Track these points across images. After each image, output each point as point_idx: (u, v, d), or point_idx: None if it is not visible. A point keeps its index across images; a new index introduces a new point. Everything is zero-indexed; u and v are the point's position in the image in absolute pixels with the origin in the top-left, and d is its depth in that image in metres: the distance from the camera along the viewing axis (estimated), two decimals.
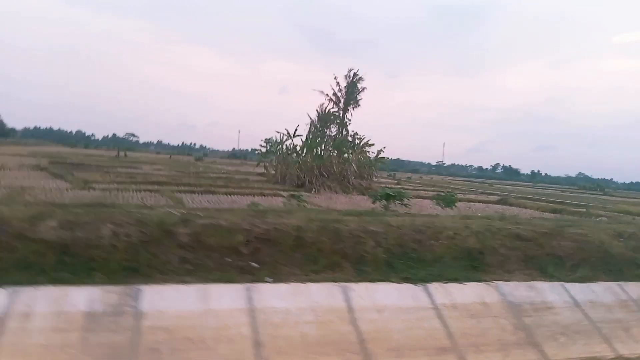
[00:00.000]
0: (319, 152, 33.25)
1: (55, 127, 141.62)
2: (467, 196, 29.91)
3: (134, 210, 7.05)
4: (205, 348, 5.05)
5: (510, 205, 25.62)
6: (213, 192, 20.84)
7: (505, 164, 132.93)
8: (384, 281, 6.66)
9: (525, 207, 23.98)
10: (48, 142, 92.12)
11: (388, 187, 22.37)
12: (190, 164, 52.38)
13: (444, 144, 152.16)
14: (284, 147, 33.53)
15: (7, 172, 24.12)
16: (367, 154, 35.97)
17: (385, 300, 6.29)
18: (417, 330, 5.96)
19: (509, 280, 7.24)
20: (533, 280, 7.38)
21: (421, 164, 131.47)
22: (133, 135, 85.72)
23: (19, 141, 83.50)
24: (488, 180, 77.76)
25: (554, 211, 21.85)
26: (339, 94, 37.34)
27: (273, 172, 34.02)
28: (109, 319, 5.08)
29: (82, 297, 5.22)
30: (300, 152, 32.98)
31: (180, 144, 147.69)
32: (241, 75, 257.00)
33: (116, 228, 6.23)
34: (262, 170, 36.91)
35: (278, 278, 6.32)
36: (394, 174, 64.04)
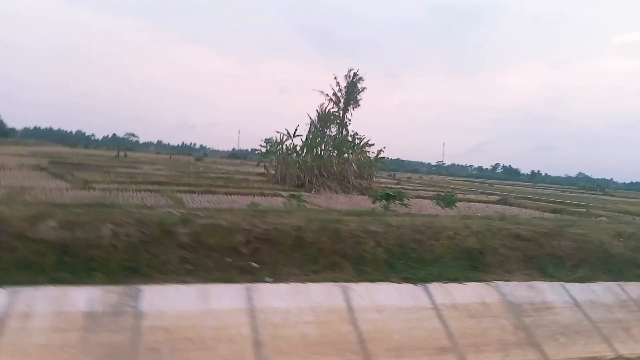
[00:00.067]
0: (319, 152, 33.26)
1: (55, 127, 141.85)
2: (467, 196, 29.91)
3: (134, 210, 7.05)
4: (205, 348, 5.05)
5: (510, 205, 25.62)
6: (213, 192, 20.84)
7: (505, 164, 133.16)
8: (384, 281, 6.66)
9: (525, 207, 23.98)
10: (48, 142, 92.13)
11: (388, 187, 22.38)
12: (190, 164, 52.39)
13: (444, 144, 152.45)
14: (284, 147, 33.56)
15: (7, 172, 24.12)
16: (367, 154, 36.00)
17: (385, 300, 6.29)
18: (417, 330, 5.95)
19: (509, 280, 7.24)
20: (533, 280, 7.38)
21: (421, 164, 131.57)
22: (133, 135, 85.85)
23: (19, 141, 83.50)
24: (488, 180, 77.76)
25: (554, 211, 21.85)
26: (339, 94, 37.37)
27: (273, 172, 34.03)
28: (109, 319, 5.08)
29: (82, 297, 5.22)
30: (300, 152, 32.99)
31: (180, 144, 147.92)
32: (241, 75, 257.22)
33: (116, 228, 6.23)
34: (262, 170, 36.92)
35: (278, 278, 6.32)
36: (394, 174, 64.06)
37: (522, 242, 8.15)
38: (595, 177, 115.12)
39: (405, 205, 15.71)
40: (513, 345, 6.07)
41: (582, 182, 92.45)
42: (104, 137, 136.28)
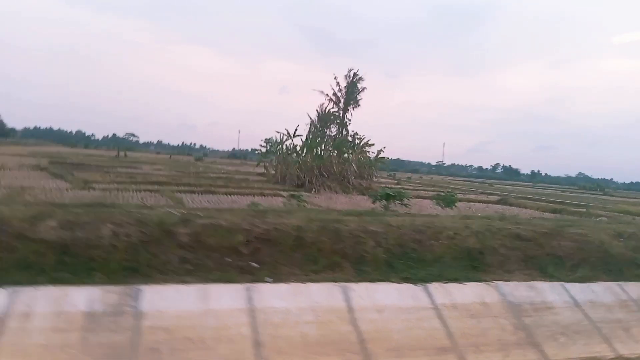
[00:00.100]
0: (319, 152, 33.26)
1: (55, 127, 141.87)
2: (467, 196, 29.91)
3: (133, 210, 7.05)
4: (205, 348, 5.04)
5: (510, 205, 25.62)
6: (213, 192, 20.84)
7: (505, 164, 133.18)
8: (384, 281, 6.66)
9: (525, 207, 23.98)
10: (48, 142, 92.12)
11: (388, 187, 22.38)
12: (190, 164, 52.38)
13: (444, 144, 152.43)
14: (284, 147, 33.56)
15: (7, 172, 24.12)
16: (367, 154, 35.99)
17: (385, 300, 6.29)
18: (417, 330, 5.95)
19: (509, 280, 7.24)
20: (533, 280, 7.38)
21: (421, 164, 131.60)
22: (133, 135, 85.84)
23: (19, 141, 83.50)
24: (488, 180, 77.76)
25: (554, 211, 21.85)
26: (339, 94, 37.37)
27: (273, 172, 34.03)
28: (109, 319, 5.08)
29: (82, 297, 5.22)
30: (300, 152, 33.00)
31: (180, 144, 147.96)
32: (241, 75, 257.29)
33: (116, 228, 6.23)
34: (262, 170, 36.92)
35: (278, 278, 6.32)
36: (394, 174, 64.07)
37: (522, 242, 8.15)
38: (595, 177, 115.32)
39: (405, 205, 15.71)
40: (513, 345, 6.07)
41: (582, 182, 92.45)
42: (104, 137, 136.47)
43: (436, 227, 7.99)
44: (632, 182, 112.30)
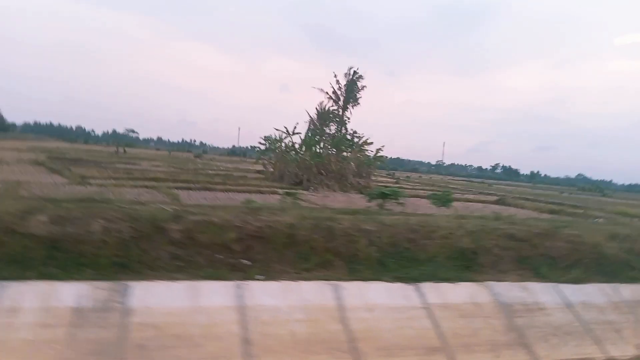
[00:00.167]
0: (318, 150, 33.21)
1: (55, 123, 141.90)
2: (465, 196, 29.86)
3: (125, 205, 7.00)
4: (193, 345, 5.02)
5: (508, 205, 25.56)
6: (210, 189, 20.79)
7: (505, 164, 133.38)
8: (376, 280, 6.63)
9: (523, 208, 23.94)
10: (48, 137, 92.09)
11: (384, 186, 22.34)
12: (189, 161, 52.33)
13: (444, 143, 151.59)
14: (283, 144, 33.51)
15: (5, 167, 24.06)
16: (366, 153, 35.92)
17: (376, 300, 6.26)
18: (408, 329, 5.93)
19: (501, 281, 7.21)
20: (526, 281, 7.36)
21: (421, 163, 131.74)
22: (133, 131, 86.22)
23: (19, 136, 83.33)
24: (487, 181, 77.83)
25: (552, 212, 21.81)
26: (339, 92, 37.24)
27: (271, 169, 33.98)
28: (97, 315, 5.05)
29: (70, 293, 5.19)
30: (299, 150, 32.94)
31: (180, 141, 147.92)
32: (242, 72, 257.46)
33: (107, 223, 6.19)
34: (260, 167, 36.88)
35: (269, 276, 6.29)
36: (393, 173, 64.07)
37: (516, 242, 8.12)
38: (595, 178, 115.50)
39: (400, 204, 15.65)
40: (504, 345, 6.05)
41: (582, 184, 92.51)
42: (104, 133, 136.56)
43: (430, 226, 7.96)
44: (631, 184, 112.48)
